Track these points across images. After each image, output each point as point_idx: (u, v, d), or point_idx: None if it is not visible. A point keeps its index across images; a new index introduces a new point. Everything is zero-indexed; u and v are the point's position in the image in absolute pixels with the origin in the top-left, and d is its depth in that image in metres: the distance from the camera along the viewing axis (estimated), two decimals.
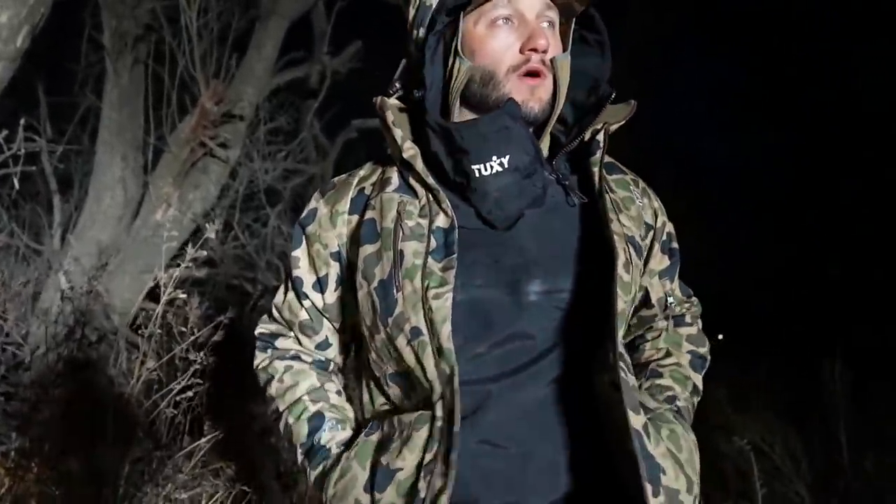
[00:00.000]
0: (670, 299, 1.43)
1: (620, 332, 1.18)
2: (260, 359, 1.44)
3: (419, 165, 1.25)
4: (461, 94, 1.28)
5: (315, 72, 6.39)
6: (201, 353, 3.12)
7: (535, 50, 1.23)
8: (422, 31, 1.30)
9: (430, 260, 1.19)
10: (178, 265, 3.18)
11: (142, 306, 4.08)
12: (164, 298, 3.03)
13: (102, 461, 3.16)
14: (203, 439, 3.27)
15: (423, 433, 1.15)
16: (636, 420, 1.11)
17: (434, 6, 1.28)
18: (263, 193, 6.03)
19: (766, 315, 8.30)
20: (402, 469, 1.15)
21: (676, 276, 1.47)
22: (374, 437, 1.24)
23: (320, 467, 1.28)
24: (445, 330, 1.14)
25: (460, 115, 1.31)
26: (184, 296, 3.14)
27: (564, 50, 1.30)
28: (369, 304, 1.26)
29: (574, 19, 1.33)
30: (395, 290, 1.20)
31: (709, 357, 1.46)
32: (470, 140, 1.21)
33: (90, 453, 3.21)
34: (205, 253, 3.12)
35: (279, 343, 1.43)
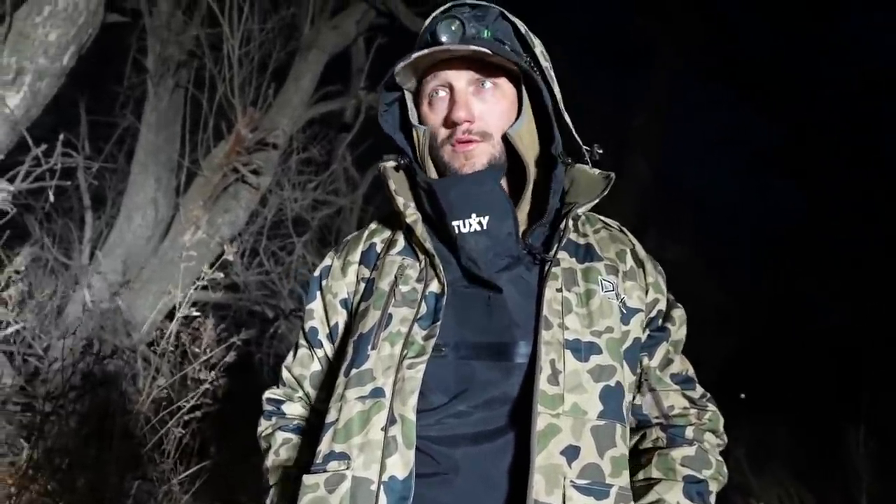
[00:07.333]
0: (646, 377, 1.31)
1: (550, 456, 1.12)
2: (263, 426, 1.45)
3: (419, 230, 1.28)
4: (430, 155, 1.32)
5: (350, 106, 6.48)
6: (212, 373, 3.13)
7: (454, 123, 1.26)
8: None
9: (415, 327, 1.21)
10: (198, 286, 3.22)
11: (160, 326, 4.11)
12: (177, 316, 3.06)
13: (107, 478, 3.16)
14: (209, 461, 3.26)
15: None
16: None
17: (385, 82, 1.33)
18: (291, 222, 6.07)
19: (788, 374, 8.13)
20: None
21: (662, 359, 1.32)
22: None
23: None
24: (412, 401, 1.15)
25: (435, 173, 1.33)
26: (197, 314, 3.17)
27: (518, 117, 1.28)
28: (343, 354, 1.28)
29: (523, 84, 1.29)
30: (369, 347, 1.22)
31: (719, 478, 1.28)
32: (453, 196, 1.24)
33: (97, 469, 3.22)
34: (222, 275, 3.16)
35: (286, 408, 1.43)
